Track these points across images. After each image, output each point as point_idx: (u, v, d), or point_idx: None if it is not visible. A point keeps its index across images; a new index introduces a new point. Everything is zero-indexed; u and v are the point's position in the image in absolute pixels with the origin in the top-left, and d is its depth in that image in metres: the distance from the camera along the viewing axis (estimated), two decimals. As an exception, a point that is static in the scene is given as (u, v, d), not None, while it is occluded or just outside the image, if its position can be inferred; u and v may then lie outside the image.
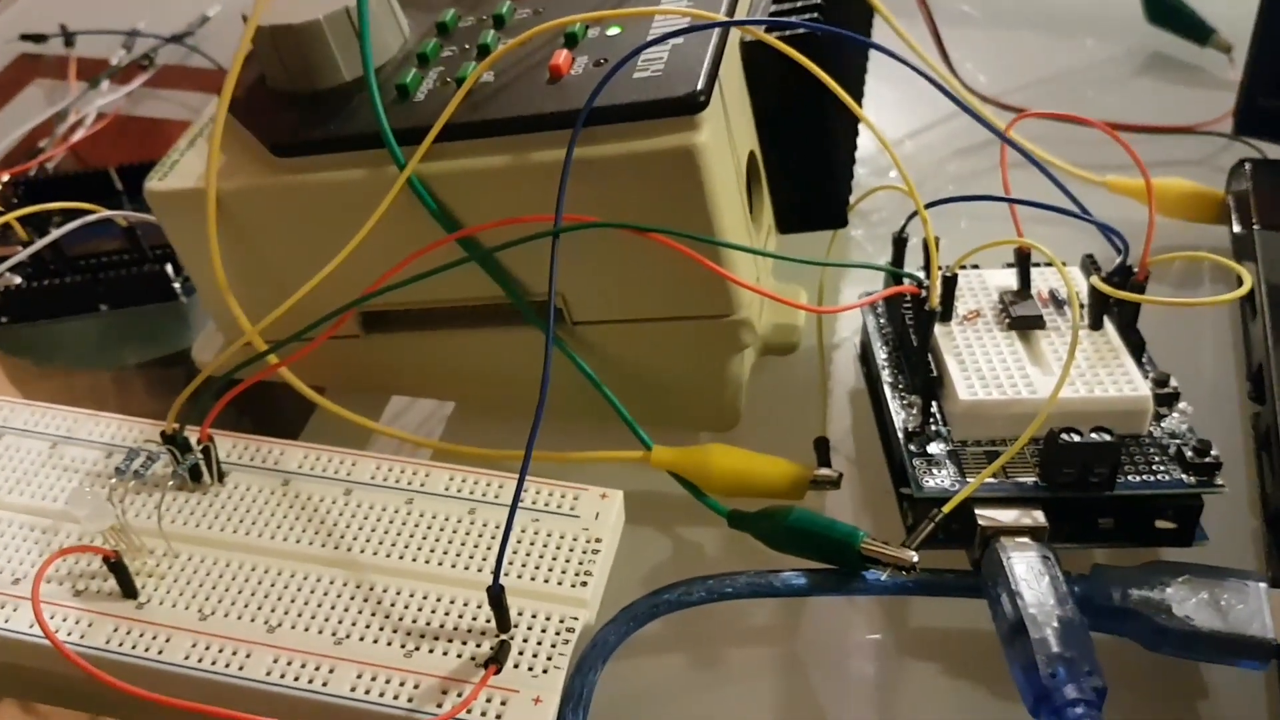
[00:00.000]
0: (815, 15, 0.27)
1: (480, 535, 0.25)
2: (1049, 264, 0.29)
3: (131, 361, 0.34)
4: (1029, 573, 0.23)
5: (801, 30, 0.26)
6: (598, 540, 0.25)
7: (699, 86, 0.24)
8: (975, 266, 0.29)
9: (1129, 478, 0.24)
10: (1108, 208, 0.29)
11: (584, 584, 0.24)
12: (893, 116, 0.41)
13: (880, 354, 0.28)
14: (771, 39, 0.25)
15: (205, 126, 0.30)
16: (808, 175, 0.28)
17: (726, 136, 0.25)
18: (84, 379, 0.34)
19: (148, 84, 0.46)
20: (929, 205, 0.26)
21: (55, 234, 0.31)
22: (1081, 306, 0.27)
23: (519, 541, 0.25)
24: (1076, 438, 0.24)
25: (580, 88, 0.24)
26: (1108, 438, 0.24)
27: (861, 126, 0.32)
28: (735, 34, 0.26)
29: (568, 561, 0.25)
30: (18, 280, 0.33)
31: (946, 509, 0.23)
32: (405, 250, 0.26)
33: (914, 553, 0.23)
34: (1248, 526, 0.27)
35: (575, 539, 0.25)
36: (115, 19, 0.49)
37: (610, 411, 0.26)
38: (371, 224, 0.25)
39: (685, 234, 0.24)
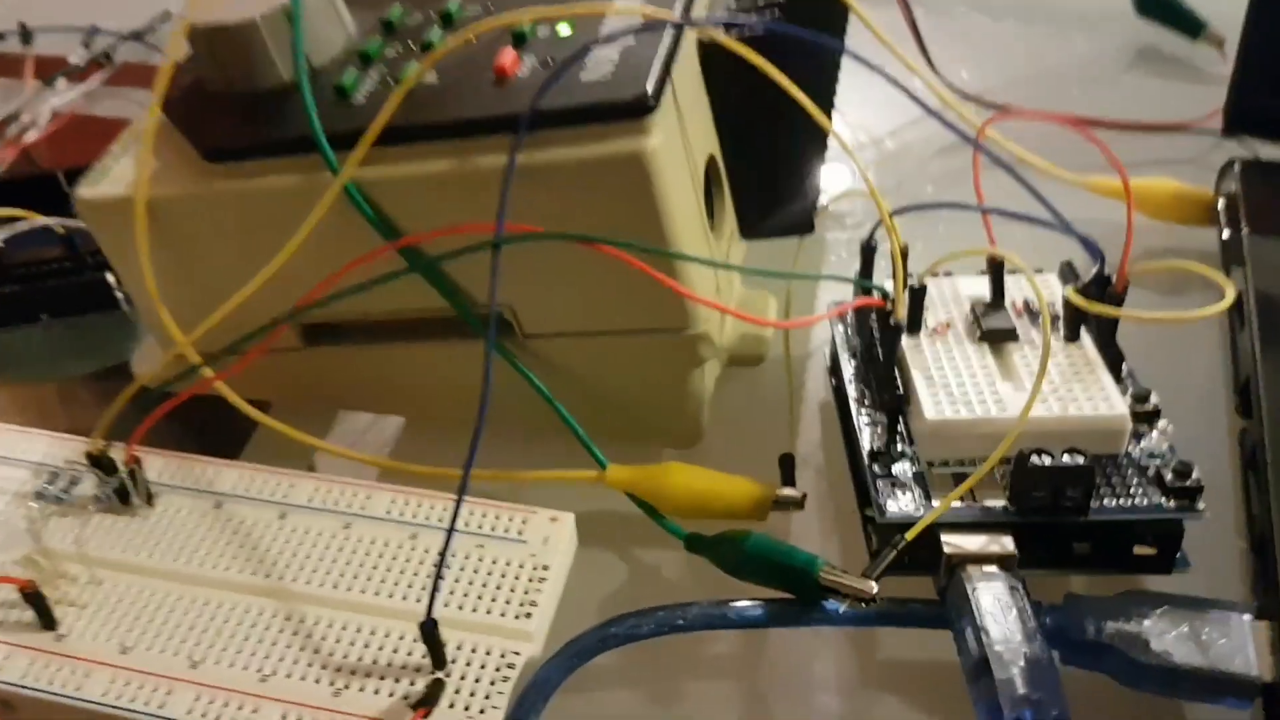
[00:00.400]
0: (776, 14, 0.25)
1: (421, 563, 0.24)
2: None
3: (77, 373, 0.33)
4: (995, 605, 0.21)
5: (759, 30, 0.24)
6: (545, 568, 0.24)
7: (648, 89, 0.22)
8: (948, 274, 0.27)
9: (1105, 501, 0.23)
10: (1093, 209, 0.28)
11: (528, 615, 0.23)
12: (875, 112, 0.40)
13: (847, 368, 0.27)
14: (727, 40, 0.24)
15: (141, 131, 0.28)
16: (771, 180, 0.27)
17: (681, 141, 0.24)
18: (29, 391, 0.33)
19: (107, 82, 0.45)
20: (895, 213, 0.24)
21: (-12, 243, 0.30)
22: (1056, 318, 0.26)
23: (461, 569, 0.24)
24: (1047, 460, 0.22)
25: (527, 90, 0.23)
26: (1081, 460, 0.22)
27: (838, 124, 0.31)
28: (693, 34, 0.25)
29: (512, 591, 0.23)
30: (-46, 290, 0.32)
31: (909, 536, 0.22)
32: (344, 260, 0.24)
33: (874, 583, 0.22)
34: (1234, 549, 0.26)
35: (521, 566, 0.24)
36: (76, 15, 0.47)
37: (563, 428, 0.25)
38: (305, 233, 0.24)
39: (636, 245, 0.23)
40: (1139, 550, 0.23)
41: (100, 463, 0.24)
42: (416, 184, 0.24)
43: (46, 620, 0.23)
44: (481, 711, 0.21)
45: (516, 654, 0.22)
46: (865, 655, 0.25)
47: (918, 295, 0.25)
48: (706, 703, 0.24)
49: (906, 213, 0.25)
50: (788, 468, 0.26)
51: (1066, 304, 0.25)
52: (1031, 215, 0.25)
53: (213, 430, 0.32)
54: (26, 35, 0.46)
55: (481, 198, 0.23)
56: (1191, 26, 0.41)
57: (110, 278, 0.32)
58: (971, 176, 0.26)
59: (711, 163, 0.26)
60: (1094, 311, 0.24)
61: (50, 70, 0.44)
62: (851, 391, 0.26)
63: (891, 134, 0.39)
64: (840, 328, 0.28)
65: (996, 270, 0.26)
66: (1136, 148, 0.37)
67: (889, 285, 0.25)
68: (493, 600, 0.23)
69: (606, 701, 0.24)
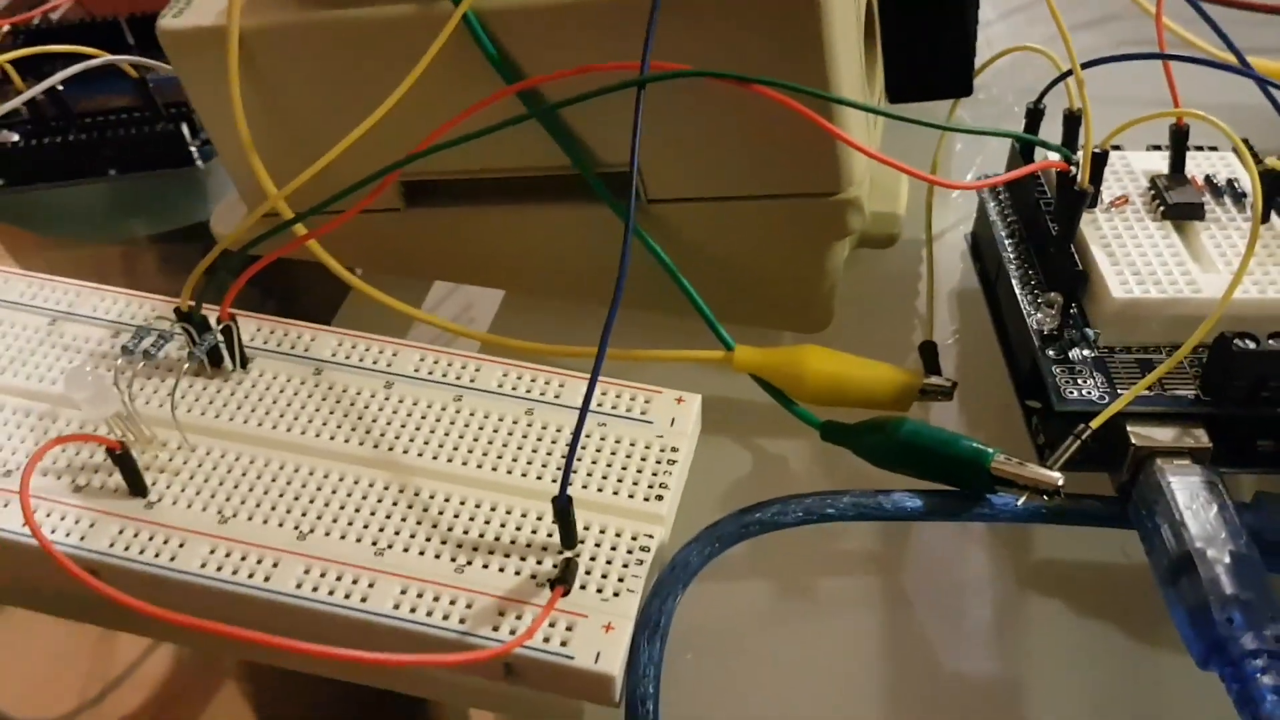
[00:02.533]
0: None
1: (539, 439, 0.22)
2: (1199, 148, 0.25)
3: (142, 234, 0.31)
4: (1194, 500, 0.19)
5: None
6: (674, 449, 0.22)
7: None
8: (1118, 148, 0.25)
9: (1305, 395, 0.21)
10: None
11: (659, 498, 0.21)
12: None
13: (1005, 245, 0.24)
14: None
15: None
16: (932, 32, 0.24)
17: (846, -25, 0.21)
18: (90, 251, 0.31)
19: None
20: (1085, 65, 0.21)
21: (52, 80, 0.28)
22: (1243, 195, 0.23)
23: (584, 448, 0.22)
24: (1252, 345, 0.20)
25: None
26: (1289, 347, 0.20)
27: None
28: None
29: (639, 472, 0.21)
30: (15, 138, 0.30)
31: (1095, 423, 0.20)
32: (457, 106, 0.22)
33: (1058, 474, 0.20)
34: None
35: (648, 447, 0.22)
36: None
37: (686, 305, 0.23)
38: (419, 71, 0.21)
39: (798, 87, 0.20)
40: (1336, 450, 0.21)
41: (191, 320, 0.22)
42: (544, 16, 0.21)
43: (136, 486, 0.21)
44: (616, 594, 0.19)
45: (650, 537, 0.20)
46: (1020, 556, 0.23)
47: (1098, 162, 0.22)
48: (846, 599, 0.22)
49: (1094, 67, 0.22)
50: (931, 355, 0.24)
51: (1263, 178, 0.22)
52: (1225, 64, 0.22)
53: (291, 301, 0.30)
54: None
55: (615, 34, 0.20)
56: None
57: (185, 130, 0.29)
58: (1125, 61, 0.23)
59: (868, 9, 0.23)
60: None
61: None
62: (1013, 270, 0.23)
63: (1022, 8, 0.36)
64: (994, 201, 0.25)
65: (1180, 140, 0.23)
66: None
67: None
68: (619, 481, 0.21)
69: (739, 592, 0.22)
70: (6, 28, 0.33)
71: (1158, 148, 0.25)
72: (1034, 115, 0.24)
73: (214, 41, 0.23)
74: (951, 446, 0.21)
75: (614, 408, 0.23)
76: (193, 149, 0.30)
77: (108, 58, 0.28)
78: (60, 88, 0.29)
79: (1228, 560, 0.18)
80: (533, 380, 0.23)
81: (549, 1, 0.21)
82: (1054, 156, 0.23)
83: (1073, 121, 0.23)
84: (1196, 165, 0.25)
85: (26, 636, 0.23)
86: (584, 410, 0.19)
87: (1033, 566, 0.22)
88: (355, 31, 0.22)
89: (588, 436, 0.22)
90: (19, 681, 0.23)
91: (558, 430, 0.22)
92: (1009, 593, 0.22)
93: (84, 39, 0.30)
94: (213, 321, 0.23)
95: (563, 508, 0.19)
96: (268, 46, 0.23)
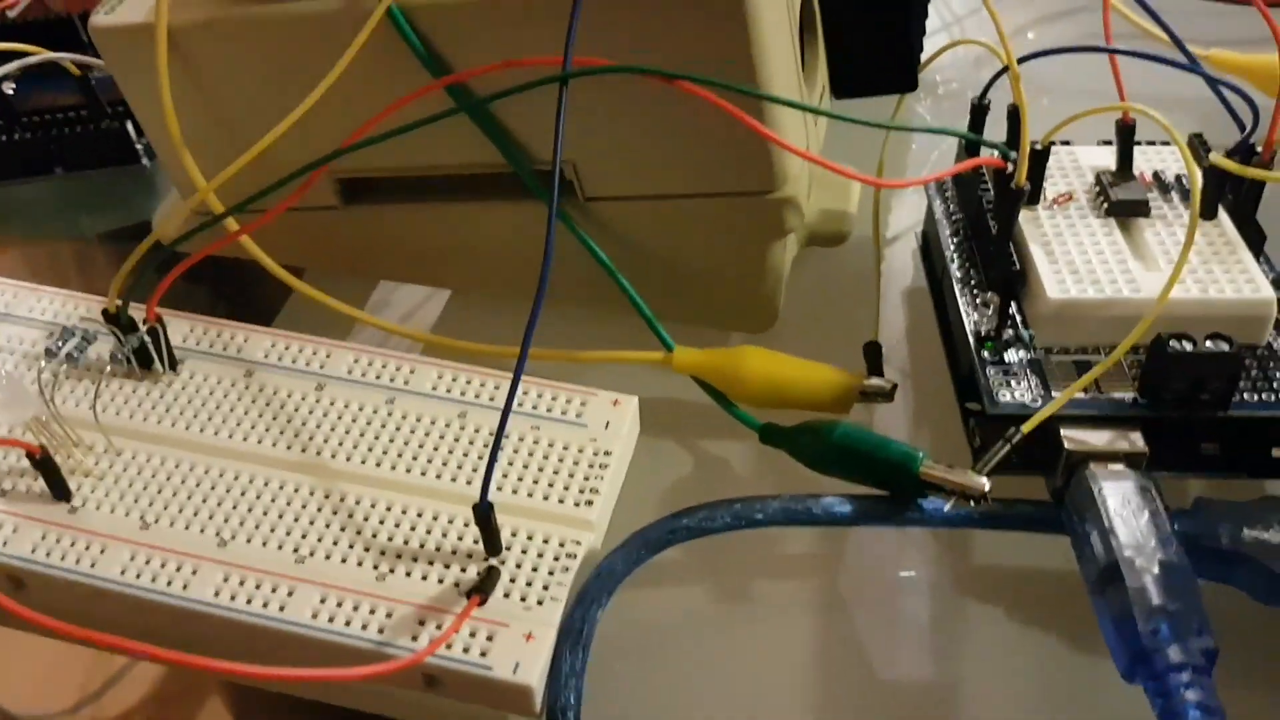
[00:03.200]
0: None
1: (471, 443, 0.22)
2: (1152, 143, 0.25)
3: (91, 232, 0.30)
4: (1125, 506, 0.19)
5: None
6: (606, 453, 0.21)
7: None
8: (1066, 143, 0.24)
9: (1244, 396, 0.20)
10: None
11: (589, 503, 0.21)
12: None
13: (949, 243, 0.24)
14: None
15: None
16: (875, 26, 0.24)
17: (778, -32, 0.21)
18: (41, 250, 0.31)
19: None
20: (1022, 60, 0.21)
21: (-13, 77, 0.27)
22: (1187, 193, 0.23)
23: (515, 451, 0.21)
24: (1189, 347, 0.20)
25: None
26: (1226, 348, 0.20)
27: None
28: None
29: (571, 476, 0.21)
30: (-39, 136, 0.29)
31: (1027, 428, 0.20)
32: (386, 100, 0.21)
33: (985, 479, 0.19)
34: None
35: (581, 450, 0.22)
36: None
37: (626, 305, 0.23)
38: (343, 65, 0.21)
39: (724, 83, 0.20)
40: (1278, 452, 0.21)
41: (118, 320, 0.22)
42: (472, 10, 0.21)
43: (59, 490, 0.21)
44: (540, 602, 0.19)
45: (578, 543, 0.20)
46: (958, 560, 0.22)
47: (1040, 158, 0.22)
48: (780, 603, 0.22)
49: (1031, 60, 0.22)
50: (874, 356, 0.24)
51: (1207, 175, 0.22)
52: (1172, 59, 0.21)
53: (240, 301, 0.29)
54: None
55: (545, 28, 0.20)
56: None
57: (130, 128, 0.29)
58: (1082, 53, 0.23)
59: (806, 2, 0.23)
60: (1250, 176, 0.21)
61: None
62: (954, 270, 0.23)
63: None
64: (940, 200, 0.25)
65: (1126, 136, 0.23)
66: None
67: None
68: (549, 485, 0.21)
69: (671, 598, 0.22)
70: (-41, 25, 0.33)
71: (1108, 143, 0.24)
72: (978, 111, 0.23)
73: (144, 38, 0.22)
74: (882, 450, 0.20)
75: (548, 410, 0.22)
76: (139, 147, 0.30)
77: (48, 55, 0.27)
78: (8, 89, 0.29)
79: (1156, 570, 0.18)
80: (468, 382, 0.23)
81: (473, -4, 0.20)
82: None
83: (1015, 117, 0.23)
84: (1147, 160, 0.24)
85: (27, 635, 0.23)
86: (506, 410, 0.19)
87: (971, 570, 0.22)
88: (283, 27, 0.22)
89: (520, 440, 0.22)
90: (20, 680, 0.23)
91: (490, 433, 0.22)
92: (947, 597, 0.22)
93: (35, 38, 0.30)
94: (140, 321, 0.22)
95: (483, 514, 0.19)
96: (197, 42, 0.23)
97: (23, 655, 0.23)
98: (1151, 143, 0.25)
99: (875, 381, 0.22)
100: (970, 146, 0.24)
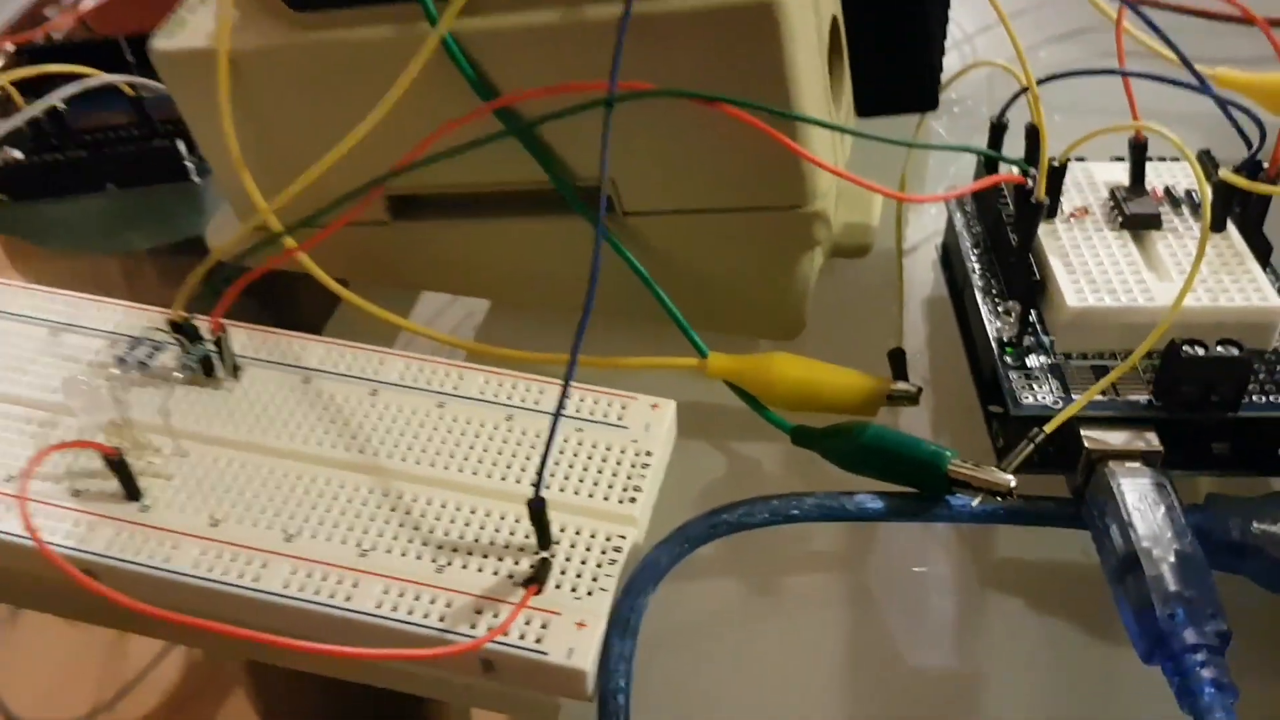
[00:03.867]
0: None
1: (519, 444, 0.23)
2: (1163, 159, 0.26)
3: (141, 246, 0.31)
4: (1142, 501, 0.20)
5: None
6: (648, 453, 0.23)
7: (782, -67, 0.20)
8: (1081, 159, 0.25)
9: (1253, 398, 0.22)
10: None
11: (633, 500, 0.22)
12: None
13: (970, 254, 0.25)
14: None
15: (218, -18, 0.26)
16: (898, 48, 0.25)
17: (810, -5, 0.22)
18: (90, 264, 0.32)
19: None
20: (1042, 81, 0.22)
21: (50, 98, 0.29)
22: (1199, 206, 0.24)
23: (561, 452, 0.23)
24: (1200, 351, 0.21)
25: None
26: (1236, 352, 0.21)
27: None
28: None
29: (614, 475, 0.22)
30: (17, 154, 0.31)
31: (1049, 428, 0.21)
32: (435, 122, 0.23)
33: (1011, 476, 0.20)
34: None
35: (623, 451, 0.23)
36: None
37: (661, 314, 0.24)
38: (399, 90, 0.22)
39: (759, 105, 0.21)
40: (1286, 452, 0.22)
41: (184, 331, 0.23)
42: (520, 37, 0.22)
43: (131, 490, 0.22)
44: (589, 593, 0.20)
45: (623, 537, 0.21)
46: (981, 555, 0.23)
47: (1057, 174, 0.23)
48: (809, 597, 0.23)
49: (1051, 82, 0.23)
50: (899, 362, 0.25)
51: (1217, 189, 0.23)
52: (1182, 80, 0.23)
53: (287, 312, 0.31)
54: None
55: (589, 54, 0.21)
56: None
57: (181, 146, 0.30)
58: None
59: (834, 26, 0.24)
60: (1258, 191, 0.22)
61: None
62: (976, 280, 0.24)
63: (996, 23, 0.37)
64: (960, 213, 0.26)
65: (1139, 152, 0.24)
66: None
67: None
68: (594, 484, 0.22)
69: (709, 591, 0.23)
70: (10, 47, 0.34)
71: (1120, 159, 0.25)
72: (997, 130, 0.25)
73: (205, 62, 0.24)
74: (911, 450, 0.21)
75: (591, 413, 0.23)
76: (189, 164, 0.31)
77: (105, 78, 0.29)
78: (60, 106, 0.30)
79: (1172, 559, 0.19)
80: (513, 387, 0.24)
81: (523, 24, 0.22)
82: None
83: (1034, 135, 0.24)
84: (1158, 176, 0.25)
85: (41, 641, 0.24)
86: (557, 415, 0.20)
87: (994, 565, 0.23)
88: (340, 53, 0.23)
89: (565, 441, 0.23)
90: (34, 685, 0.23)
91: (536, 435, 0.23)
92: (971, 591, 0.23)
93: (84, 58, 0.31)
94: (205, 332, 0.24)
95: (537, 509, 0.20)
96: (256, 67, 0.24)
97: (33, 663, 0.24)
98: (1163, 159, 0.26)
99: (902, 385, 0.23)
100: (989, 163, 0.25)
